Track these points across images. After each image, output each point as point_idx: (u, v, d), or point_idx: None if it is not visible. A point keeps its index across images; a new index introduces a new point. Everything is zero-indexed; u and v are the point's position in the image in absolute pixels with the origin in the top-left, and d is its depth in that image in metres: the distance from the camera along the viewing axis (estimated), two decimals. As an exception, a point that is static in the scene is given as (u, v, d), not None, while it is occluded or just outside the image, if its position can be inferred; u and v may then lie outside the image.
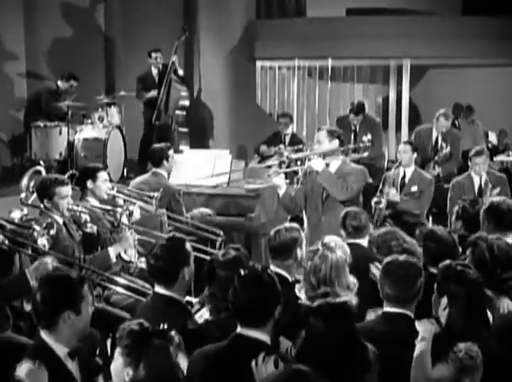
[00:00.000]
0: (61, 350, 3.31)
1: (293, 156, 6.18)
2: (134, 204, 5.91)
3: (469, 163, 7.75)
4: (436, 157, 8.50)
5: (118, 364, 2.99)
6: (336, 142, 5.99)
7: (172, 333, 3.54)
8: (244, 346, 3.26)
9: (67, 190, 5.32)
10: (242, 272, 3.42)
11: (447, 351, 3.49)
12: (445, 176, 8.41)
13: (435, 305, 3.79)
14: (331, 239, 4.44)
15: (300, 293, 4.40)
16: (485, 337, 3.58)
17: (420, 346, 3.53)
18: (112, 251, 5.30)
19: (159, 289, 3.98)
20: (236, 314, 3.36)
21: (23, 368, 3.07)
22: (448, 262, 3.92)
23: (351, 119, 9.18)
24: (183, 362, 3.47)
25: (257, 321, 3.30)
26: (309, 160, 6.10)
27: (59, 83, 9.65)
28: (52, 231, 4.70)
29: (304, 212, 6.26)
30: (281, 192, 6.09)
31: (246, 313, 3.31)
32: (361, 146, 6.45)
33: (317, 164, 5.94)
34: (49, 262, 4.47)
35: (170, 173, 7.05)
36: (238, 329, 3.33)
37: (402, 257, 3.93)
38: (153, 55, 10.09)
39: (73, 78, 9.64)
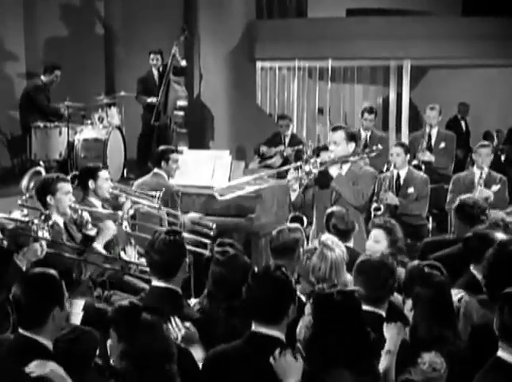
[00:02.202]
0: (49, 345, 3.33)
1: (314, 160, 6.06)
2: (134, 203, 5.92)
3: (473, 156, 7.75)
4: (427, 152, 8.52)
5: (112, 341, 3.11)
6: (353, 145, 5.97)
7: (187, 324, 3.65)
8: (260, 344, 3.27)
9: (68, 186, 5.30)
10: (256, 270, 3.44)
11: (412, 360, 3.48)
12: (441, 174, 8.41)
13: (404, 306, 3.81)
14: (327, 238, 4.46)
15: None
16: (451, 340, 3.57)
17: (385, 360, 3.49)
18: (97, 245, 5.21)
19: (158, 283, 4.02)
20: (251, 312, 3.37)
21: (47, 367, 3.06)
22: (415, 262, 3.94)
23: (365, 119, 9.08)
24: (198, 353, 3.59)
25: (272, 319, 3.30)
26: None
27: (42, 77, 9.60)
28: (51, 222, 4.69)
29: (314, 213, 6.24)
30: (294, 195, 6.03)
31: (261, 310, 3.31)
32: (374, 149, 6.39)
33: (332, 169, 5.92)
34: (38, 247, 4.47)
35: (170, 175, 7.04)
36: (253, 327, 3.34)
37: (375, 257, 3.97)
38: (152, 56, 10.12)
39: (55, 68, 9.60)
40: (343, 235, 5.20)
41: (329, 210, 5.46)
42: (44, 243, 4.56)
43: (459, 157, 9.01)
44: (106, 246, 5.43)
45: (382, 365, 3.47)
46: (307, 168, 5.77)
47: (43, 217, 4.70)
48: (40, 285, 3.37)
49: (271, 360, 3.16)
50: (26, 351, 3.24)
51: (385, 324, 3.62)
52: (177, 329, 3.65)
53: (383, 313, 3.84)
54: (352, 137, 5.99)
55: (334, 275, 4.24)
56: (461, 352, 3.52)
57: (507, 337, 3.07)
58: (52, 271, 3.48)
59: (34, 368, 3.02)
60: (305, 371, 3.20)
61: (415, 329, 3.66)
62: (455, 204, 5.60)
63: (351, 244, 5.30)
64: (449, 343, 3.56)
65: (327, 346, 3.19)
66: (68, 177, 5.54)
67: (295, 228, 4.65)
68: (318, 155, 7.81)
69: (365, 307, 3.77)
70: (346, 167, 5.95)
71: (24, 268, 4.34)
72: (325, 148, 8.18)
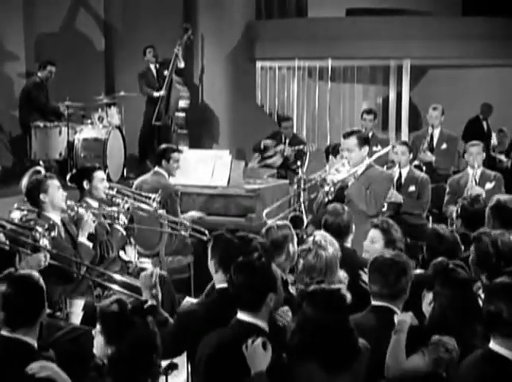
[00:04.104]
0: (35, 345, 3.39)
1: (335, 179, 5.92)
2: (129, 201, 5.93)
3: (465, 156, 7.75)
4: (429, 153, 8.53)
5: (99, 340, 3.13)
6: (367, 149, 5.96)
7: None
8: (243, 331, 3.35)
9: (57, 182, 5.38)
10: (241, 259, 3.53)
11: (423, 343, 3.52)
12: (441, 174, 8.41)
13: (423, 299, 3.82)
14: (321, 237, 4.46)
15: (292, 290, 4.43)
16: (467, 336, 3.58)
17: (394, 337, 3.57)
18: (81, 239, 5.27)
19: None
20: (233, 299, 3.48)
21: (50, 369, 3.08)
22: (441, 259, 3.94)
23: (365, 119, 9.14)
24: None
25: (251, 306, 3.41)
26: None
27: (39, 74, 9.65)
28: (54, 233, 4.70)
29: None
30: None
31: (240, 297, 3.44)
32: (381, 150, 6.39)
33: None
34: (42, 257, 4.49)
35: (170, 174, 7.03)
36: (238, 315, 3.45)
37: (389, 254, 3.96)
38: (147, 50, 10.25)
39: (49, 64, 9.64)
40: (337, 231, 5.10)
41: (327, 207, 5.42)
42: (47, 253, 4.58)
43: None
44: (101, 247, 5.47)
45: (391, 342, 3.55)
46: (326, 188, 5.80)
47: (47, 226, 4.72)
48: (34, 287, 3.43)
49: (243, 348, 3.24)
50: (17, 352, 3.29)
51: (396, 315, 3.68)
52: (286, 316, 3.70)
53: (397, 310, 3.83)
54: (365, 141, 5.99)
55: (329, 275, 4.26)
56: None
57: (497, 327, 3.10)
58: (36, 273, 3.56)
59: (39, 369, 3.04)
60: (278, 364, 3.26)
61: (431, 322, 3.69)
62: (492, 204, 5.41)
63: (345, 242, 5.21)
64: (464, 339, 3.56)
65: (305, 340, 3.25)
66: (55, 175, 5.58)
67: (283, 224, 4.66)
68: (338, 153, 7.61)
69: (379, 303, 3.85)
70: (361, 169, 5.95)
71: None
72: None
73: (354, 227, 5.27)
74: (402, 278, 3.83)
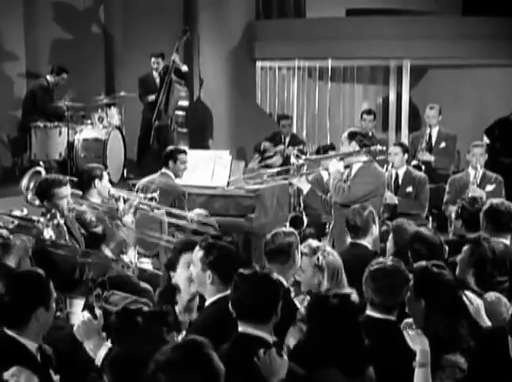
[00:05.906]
0: (32, 346, 3.29)
1: (311, 157, 6.38)
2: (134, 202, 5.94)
3: (467, 156, 7.75)
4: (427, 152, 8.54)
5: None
6: (353, 145, 6.07)
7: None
8: (248, 345, 3.24)
9: (65, 190, 5.34)
10: (243, 270, 3.43)
11: (435, 362, 3.44)
12: (440, 174, 8.41)
13: (408, 304, 3.75)
14: (311, 242, 4.53)
15: (295, 299, 4.41)
16: (466, 337, 3.57)
17: (420, 373, 3.38)
18: (104, 249, 5.31)
19: None
20: (237, 312, 3.34)
21: (21, 376, 3.05)
22: (423, 263, 3.87)
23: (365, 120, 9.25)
24: None
25: (259, 319, 3.28)
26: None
27: (48, 77, 9.65)
28: (56, 221, 4.70)
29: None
30: (305, 191, 6.23)
31: (249, 311, 3.30)
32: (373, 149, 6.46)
33: (332, 165, 6.08)
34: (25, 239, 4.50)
35: (177, 175, 7.04)
36: (240, 328, 3.31)
37: (389, 263, 3.82)
38: (153, 59, 10.13)
39: (64, 71, 9.65)
40: (356, 231, 5.33)
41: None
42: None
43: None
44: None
45: (416, 379, 3.38)
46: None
47: (48, 216, 4.71)
48: (25, 284, 3.33)
49: (255, 360, 3.14)
50: (7, 351, 3.23)
51: (405, 333, 3.53)
52: None
53: (394, 319, 3.75)
54: (351, 136, 6.07)
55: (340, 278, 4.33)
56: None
57: None
58: (39, 271, 3.45)
59: (10, 375, 3.01)
60: (297, 373, 3.18)
61: (431, 329, 3.59)
62: (486, 208, 5.43)
63: (363, 241, 5.32)
64: (465, 340, 3.56)
65: (320, 347, 3.22)
66: (67, 178, 5.56)
67: (290, 231, 4.62)
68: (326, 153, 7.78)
69: (377, 314, 3.72)
70: (356, 166, 6.07)
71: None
72: (332, 147, 8.19)
73: (374, 228, 5.36)
74: (405, 287, 3.75)
